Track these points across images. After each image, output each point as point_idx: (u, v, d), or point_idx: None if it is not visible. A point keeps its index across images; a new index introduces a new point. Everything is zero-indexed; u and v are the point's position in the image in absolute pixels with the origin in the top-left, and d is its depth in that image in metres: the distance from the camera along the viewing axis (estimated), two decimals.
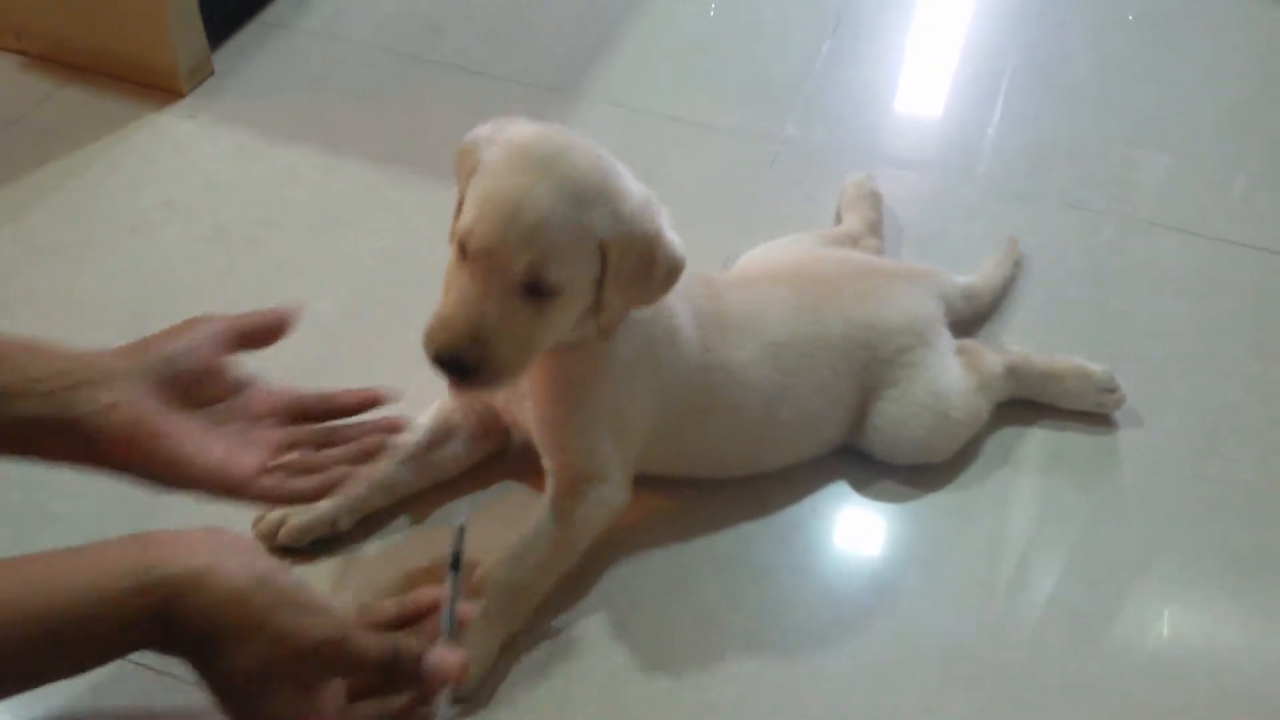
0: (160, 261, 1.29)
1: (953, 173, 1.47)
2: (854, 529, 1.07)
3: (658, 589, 1.01)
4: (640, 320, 0.95)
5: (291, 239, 1.32)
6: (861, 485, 1.10)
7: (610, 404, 0.97)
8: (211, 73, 1.52)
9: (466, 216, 0.86)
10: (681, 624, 0.99)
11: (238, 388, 0.86)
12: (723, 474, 1.08)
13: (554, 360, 0.94)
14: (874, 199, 1.33)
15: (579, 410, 0.97)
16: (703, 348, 1.01)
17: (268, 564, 0.73)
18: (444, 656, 0.76)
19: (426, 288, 0.91)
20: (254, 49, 1.57)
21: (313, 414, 0.89)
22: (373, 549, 1.02)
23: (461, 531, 0.84)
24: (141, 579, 0.68)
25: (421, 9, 1.68)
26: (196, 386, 0.82)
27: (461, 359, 0.85)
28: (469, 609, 0.85)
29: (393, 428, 0.90)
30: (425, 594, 0.85)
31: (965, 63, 1.67)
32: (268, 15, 1.63)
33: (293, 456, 0.85)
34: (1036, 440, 1.15)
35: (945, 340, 1.13)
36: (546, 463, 0.99)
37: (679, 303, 0.99)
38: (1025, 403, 1.16)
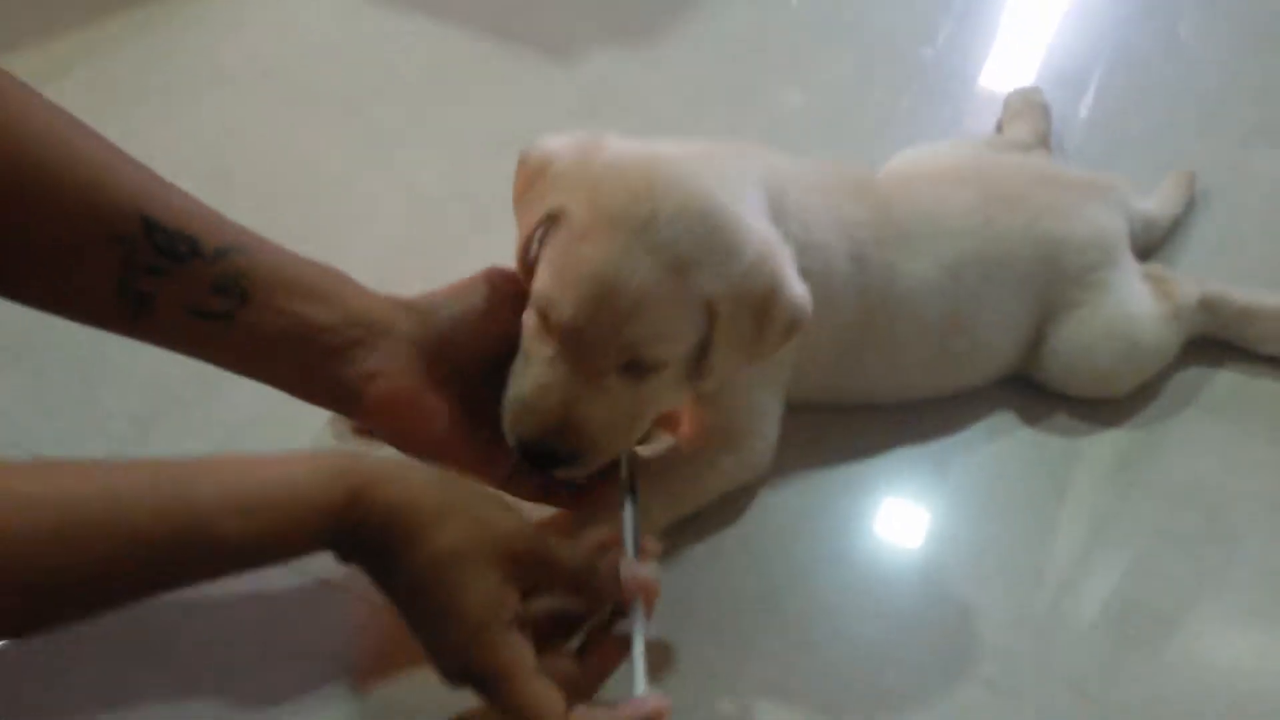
0: (245, 121, 1.19)
1: (1125, 98, 1.32)
2: (1017, 465, 0.93)
3: (792, 518, 0.88)
4: (800, 272, 0.80)
5: (391, 110, 1.22)
6: (1030, 417, 0.96)
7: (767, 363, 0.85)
8: None
9: (546, 282, 0.73)
10: (813, 557, 0.86)
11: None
12: (876, 402, 0.95)
13: None
14: (1043, 110, 1.19)
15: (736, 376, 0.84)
16: (862, 286, 0.87)
17: None
18: (640, 569, 0.70)
19: None
20: None
21: None
22: None
23: (633, 456, 0.76)
24: (334, 469, 0.64)
25: None
26: (467, 352, 0.76)
27: (555, 451, 0.73)
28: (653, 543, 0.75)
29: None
30: (593, 534, 0.74)
31: None
32: None
33: None
34: (1225, 383, 1.00)
35: (1131, 262, 0.99)
36: (694, 417, 0.87)
37: (838, 243, 0.86)
38: (1212, 342, 1.02)
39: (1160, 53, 1.40)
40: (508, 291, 0.78)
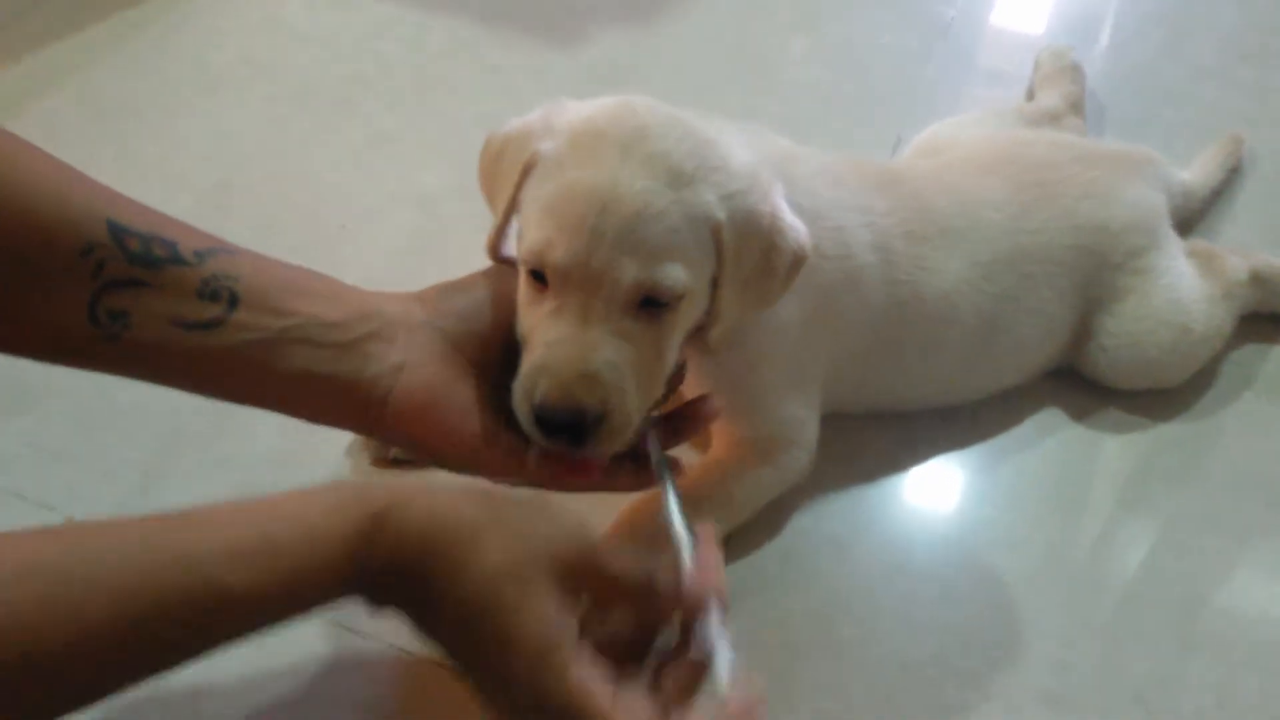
0: (241, 124, 1.14)
1: (1155, 52, 1.26)
2: (1069, 462, 0.89)
3: (839, 529, 0.84)
4: (811, 267, 0.74)
5: (386, 101, 1.17)
6: (1080, 413, 0.92)
7: (790, 368, 0.81)
8: None
9: (534, 233, 0.65)
10: (864, 571, 0.82)
11: None
12: (913, 409, 0.91)
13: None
14: (1075, 72, 1.13)
15: (757, 385, 0.80)
16: (890, 280, 0.82)
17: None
18: (701, 575, 0.60)
19: None
20: None
21: None
22: None
23: (656, 431, 0.69)
24: (350, 496, 0.56)
25: None
26: (481, 343, 0.69)
27: (580, 413, 0.64)
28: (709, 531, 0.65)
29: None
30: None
31: None
32: None
33: None
34: None
35: (1174, 240, 0.94)
36: (726, 432, 0.82)
37: (858, 230, 0.80)
38: (1266, 317, 0.98)
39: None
40: (506, 286, 0.71)
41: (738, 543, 0.82)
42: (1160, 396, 0.92)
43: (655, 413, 0.70)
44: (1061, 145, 0.96)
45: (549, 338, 0.65)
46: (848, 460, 0.87)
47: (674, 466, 0.70)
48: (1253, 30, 1.29)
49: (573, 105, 0.70)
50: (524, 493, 0.63)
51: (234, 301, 0.62)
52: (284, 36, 1.23)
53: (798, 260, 0.71)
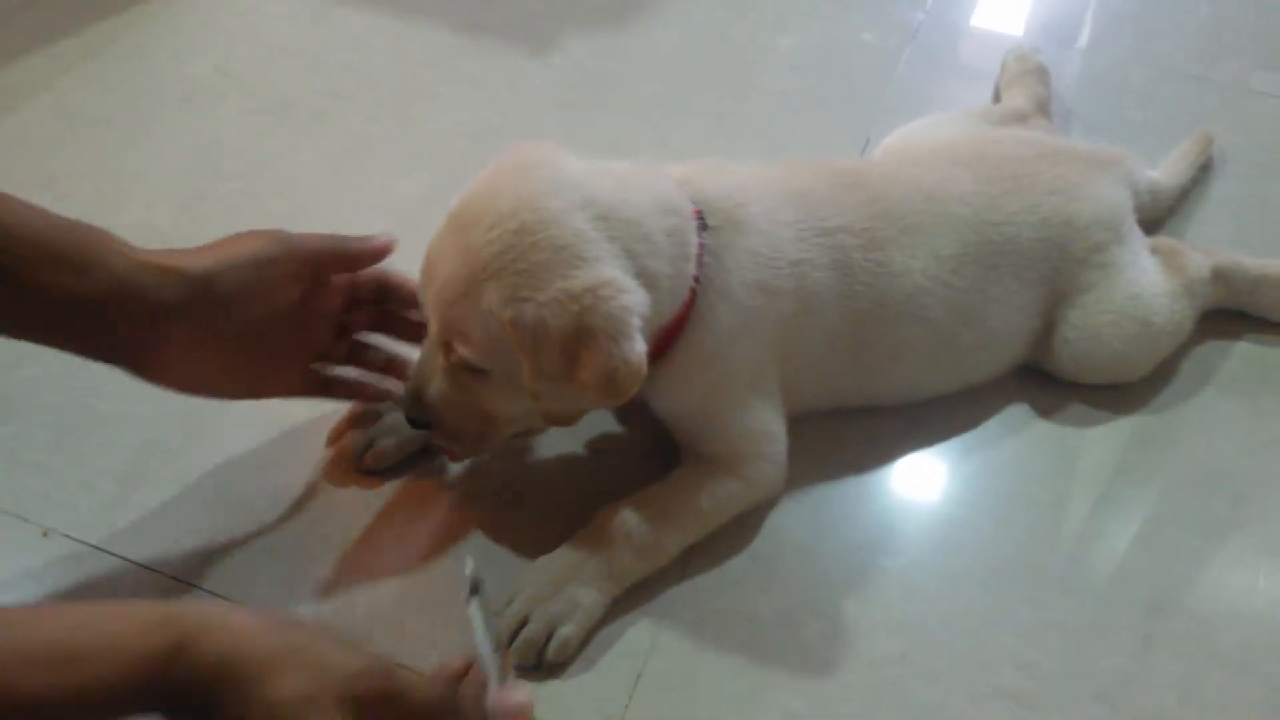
0: (217, 135, 1.15)
1: (1121, 52, 1.27)
2: (1034, 459, 0.90)
3: (806, 531, 0.85)
4: (767, 304, 0.80)
5: (363, 112, 1.18)
6: (1043, 409, 0.93)
7: (749, 388, 0.83)
8: None
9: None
10: (831, 571, 0.83)
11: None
12: (886, 403, 0.92)
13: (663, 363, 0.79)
14: (1041, 73, 1.15)
15: (717, 408, 0.83)
16: (848, 294, 0.84)
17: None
18: (508, 695, 0.65)
19: None
20: None
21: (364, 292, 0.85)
22: None
23: (472, 572, 0.74)
24: (156, 618, 0.58)
25: None
26: (242, 314, 0.77)
27: (410, 416, 0.79)
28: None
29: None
30: (451, 663, 0.67)
31: None
32: None
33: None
34: (1242, 357, 0.98)
35: (1138, 237, 0.95)
36: (686, 446, 0.85)
37: (816, 255, 0.82)
38: (1226, 314, 0.99)
39: None
40: (289, 263, 0.78)
41: (705, 544, 0.83)
42: (1123, 392, 0.93)
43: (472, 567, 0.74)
44: (1029, 142, 0.97)
45: (424, 347, 0.79)
46: (815, 461, 0.88)
47: (480, 589, 0.74)
48: (1220, 30, 1.30)
49: (510, 154, 0.77)
50: (323, 627, 0.66)
51: (2, 275, 0.69)
52: (261, 47, 1.24)
53: (610, 380, 0.72)
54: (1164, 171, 1.07)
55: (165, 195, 1.08)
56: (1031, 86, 1.12)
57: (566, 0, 1.30)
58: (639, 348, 0.72)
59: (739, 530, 0.84)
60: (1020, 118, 1.08)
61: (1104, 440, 0.91)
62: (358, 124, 1.16)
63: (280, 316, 0.78)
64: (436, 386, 0.77)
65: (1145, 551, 0.85)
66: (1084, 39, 1.30)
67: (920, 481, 0.89)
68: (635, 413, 0.89)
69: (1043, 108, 1.11)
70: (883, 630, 0.80)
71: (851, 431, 0.91)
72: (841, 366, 0.87)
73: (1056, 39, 1.28)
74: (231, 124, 1.15)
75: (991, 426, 0.92)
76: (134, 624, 0.57)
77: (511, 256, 0.71)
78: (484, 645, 0.70)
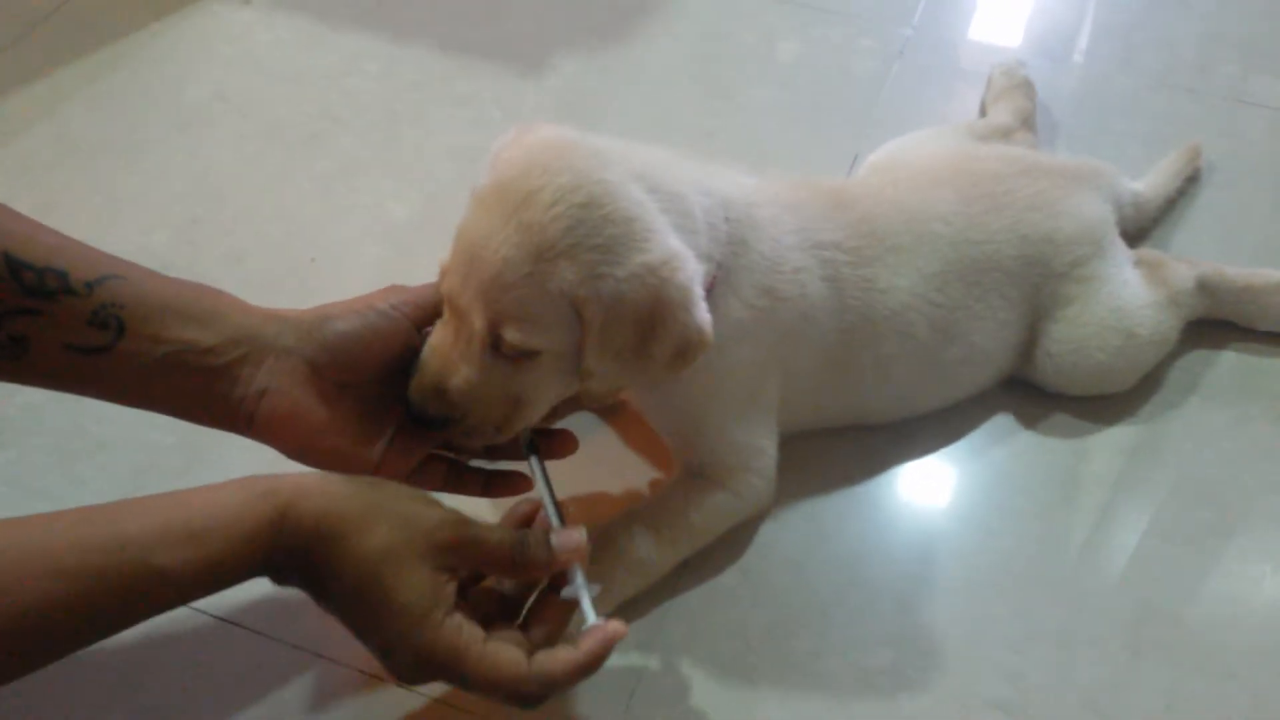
0: (213, 160, 1.16)
1: (1107, 65, 1.29)
2: (1020, 470, 0.91)
3: (796, 544, 0.86)
4: (770, 311, 0.80)
5: (356, 135, 1.19)
6: (1029, 420, 0.94)
7: (744, 399, 0.83)
8: None
9: (447, 256, 0.73)
10: (821, 585, 0.84)
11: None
12: (873, 422, 0.93)
13: None
14: (1027, 88, 1.16)
15: (709, 416, 0.83)
16: (840, 308, 0.84)
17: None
18: (568, 534, 0.72)
19: None
20: None
21: None
22: None
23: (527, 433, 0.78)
24: (261, 490, 0.66)
25: None
26: (359, 364, 0.75)
27: (428, 412, 0.73)
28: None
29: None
30: (519, 508, 0.77)
31: None
32: None
33: None
34: (1229, 366, 0.98)
35: (1121, 249, 0.96)
36: (677, 456, 0.86)
37: (813, 266, 0.83)
38: (1212, 324, 1.00)
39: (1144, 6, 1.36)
40: (407, 306, 0.76)
41: (696, 558, 0.84)
42: (1108, 403, 0.94)
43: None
44: (1010, 159, 0.98)
45: (434, 340, 0.74)
46: (804, 474, 0.89)
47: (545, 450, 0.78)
48: (1210, 41, 1.31)
49: (530, 135, 0.73)
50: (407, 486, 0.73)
51: (121, 329, 0.69)
52: (256, 73, 1.25)
53: (686, 350, 0.72)
54: (1148, 183, 1.08)
55: (163, 219, 1.09)
56: (1017, 101, 1.14)
57: (557, 21, 1.31)
58: (708, 316, 0.72)
59: (729, 544, 0.85)
60: (1005, 132, 1.09)
61: (1091, 451, 0.92)
62: (350, 146, 1.18)
63: (392, 366, 0.76)
64: (463, 377, 0.71)
65: (1133, 561, 0.86)
66: (1075, 54, 1.30)
67: (908, 494, 0.90)
68: (630, 419, 0.91)
69: (1027, 122, 1.12)
70: (873, 642, 0.81)
71: (840, 444, 0.92)
72: (832, 385, 0.87)
73: (1047, 54, 1.29)
74: (227, 148, 1.17)
75: (979, 439, 0.93)
76: (243, 498, 0.65)
77: (583, 232, 0.68)
78: (544, 493, 0.75)
